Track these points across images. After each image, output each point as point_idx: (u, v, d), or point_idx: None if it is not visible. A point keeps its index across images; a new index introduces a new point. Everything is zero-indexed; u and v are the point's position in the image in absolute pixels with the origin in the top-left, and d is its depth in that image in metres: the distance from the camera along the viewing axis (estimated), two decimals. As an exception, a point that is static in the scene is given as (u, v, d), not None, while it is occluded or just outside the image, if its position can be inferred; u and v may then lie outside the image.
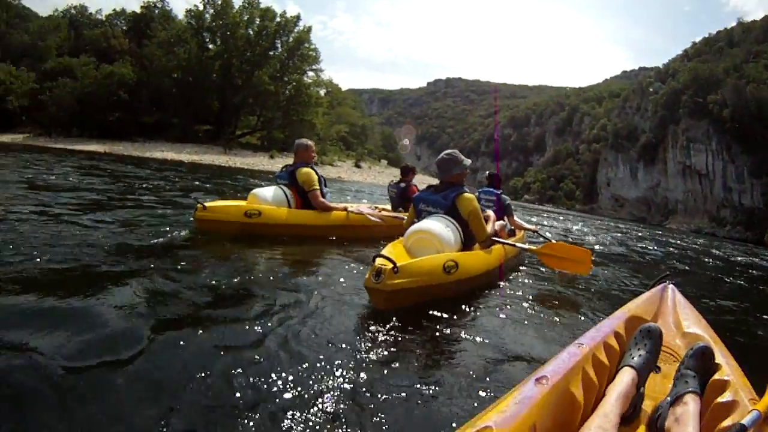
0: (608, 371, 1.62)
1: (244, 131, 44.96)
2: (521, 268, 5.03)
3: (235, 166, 28.18)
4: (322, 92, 48.92)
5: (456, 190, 3.61)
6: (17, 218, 4.03)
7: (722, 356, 1.71)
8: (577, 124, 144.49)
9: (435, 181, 3.90)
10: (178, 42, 40.04)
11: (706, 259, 13.18)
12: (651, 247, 13.79)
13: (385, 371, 1.97)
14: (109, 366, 1.72)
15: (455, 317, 2.83)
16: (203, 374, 1.72)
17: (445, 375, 2.05)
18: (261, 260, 3.77)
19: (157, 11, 47.13)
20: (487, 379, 2.06)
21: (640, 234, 22.50)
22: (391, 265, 2.66)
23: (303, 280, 3.19)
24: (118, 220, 4.54)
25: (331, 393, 1.71)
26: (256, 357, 1.91)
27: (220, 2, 41.76)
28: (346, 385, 1.78)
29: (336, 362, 1.95)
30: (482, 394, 1.89)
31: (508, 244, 4.28)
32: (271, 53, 43.36)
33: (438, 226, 3.36)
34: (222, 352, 1.93)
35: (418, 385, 1.90)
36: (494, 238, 4.06)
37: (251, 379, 1.74)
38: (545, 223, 16.52)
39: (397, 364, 2.05)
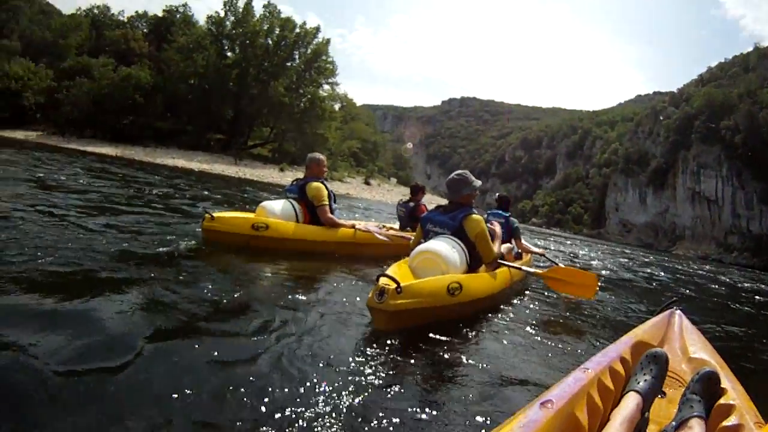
0: (613, 396, 1.62)
1: (256, 142, 44.94)
2: (527, 291, 4.98)
3: (245, 177, 28.27)
4: (337, 106, 48.91)
5: (464, 211, 3.59)
6: (24, 217, 4.06)
7: (728, 381, 1.71)
8: (589, 147, 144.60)
9: (445, 201, 3.89)
10: (198, 48, 40.17)
11: (714, 285, 13.08)
12: (657, 273, 13.70)
13: (383, 394, 1.93)
14: (102, 373, 1.71)
15: (458, 340, 2.79)
16: (195, 389, 1.70)
17: (446, 400, 2.01)
18: (264, 274, 3.76)
19: (178, 15, 47.60)
20: (488, 405, 2.02)
21: (646, 260, 22.36)
22: (394, 285, 2.64)
23: (304, 297, 3.16)
24: (125, 226, 4.55)
25: (325, 416, 1.68)
26: (250, 374, 1.89)
27: (241, 9, 42.03)
28: (340, 408, 1.74)
29: (331, 383, 1.91)
30: (482, 419, 1.86)
31: (514, 267, 4.24)
32: (289, 64, 43.39)
33: (444, 247, 3.34)
34: (216, 367, 1.91)
35: (417, 410, 1.86)
36: (500, 261, 4.04)
37: (243, 397, 1.71)
38: (552, 247, 16.42)
39: (396, 388, 2.01)
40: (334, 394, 1.83)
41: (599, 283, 4.35)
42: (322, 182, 5.03)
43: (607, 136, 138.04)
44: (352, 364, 2.17)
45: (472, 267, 3.57)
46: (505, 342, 3.00)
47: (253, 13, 42.44)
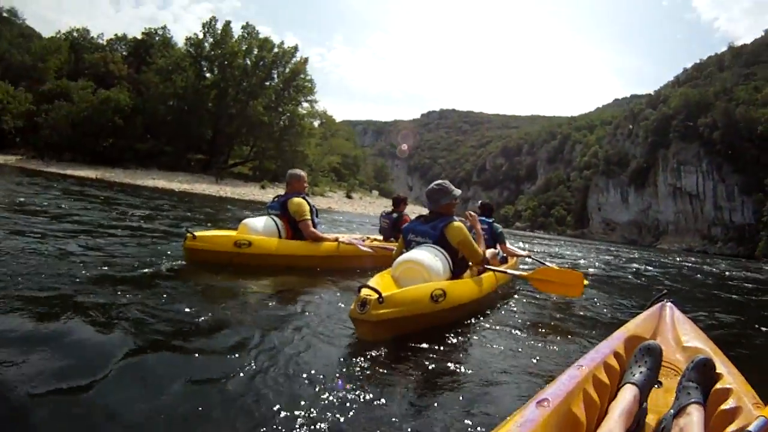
0: (609, 391, 1.62)
1: (237, 161, 45.02)
2: (515, 295, 4.98)
3: (226, 196, 28.15)
4: (316, 123, 49.39)
5: (445, 220, 3.59)
6: (2, 241, 4.00)
7: (724, 366, 1.72)
8: (569, 152, 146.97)
9: (426, 212, 3.89)
10: (176, 69, 40.39)
11: (701, 276, 13.28)
12: (644, 268, 13.86)
13: (370, 407, 1.88)
14: (75, 395, 1.69)
15: (445, 348, 2.76)
16: (170, 409, 1.66)
17: (436, 408, 1.97)
18: (246, 291, 3.70)
19: (157, 38, 47.70)
20: (480, 410, 1.98)
21: (632, 256, 22.63)
22: (376, 296, 2.62)
23: (287, 312, 3.12)
24: (105, 248, 4.49)
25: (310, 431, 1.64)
26: (229, 392, 1.84)
27: (220, 31, 42.35)
28: (326, 422, 1.69)
29: (315, 397, 1.87)
30: (475, 425, 1.82)
31: (499, 271, 4.24)
32: (267, 83, 43.72)
33: (426, 256, 3.33)
34: (193, 387, 1.86)
35: (407, 420, 1.82)
36: (486, 266, 4.05)
37: (221, 416, 1.67)
38: (536, 249, 16.54)
39: (383, 400, 1.96)
40: (318, 408, 1.78)
41: (586, 282, 4.35)
42: (304, 197, 5.00)
43: (586, 140, 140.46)
44: (337, 377, 2.12)
45: (455, 274, 3.56)
46: (493, 347, 2.98)
47: (232, 34, 42.92)
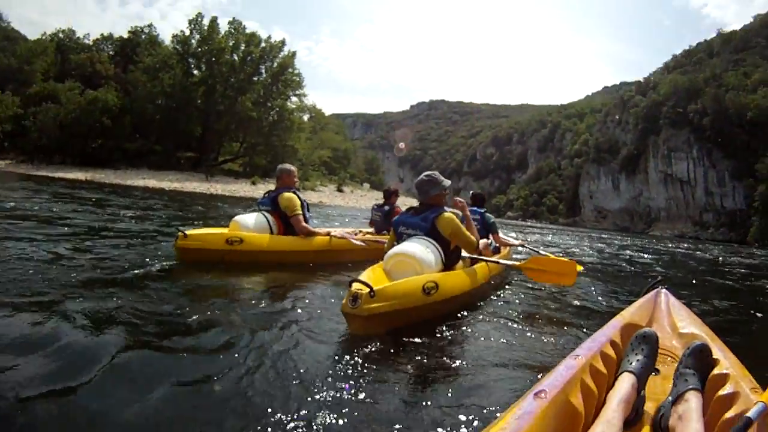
0: (607, 380, 1.62)
1: (227, 158, 44.85)
2: (508, 285, 4.98)
3: (217, 194, 28.03)
4: (305, 117, 49.18)
5: (435, 211, 3.56)
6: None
7: (720, 352, 1.73)
8: (559, 140, 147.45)
9: (417, 203, 3.87)
10: (164, 67, 40.14)
11: (694, 263, 13.37)
12: (637, 255, 13.95)
13: (364, 403, 1.86)
14: (64, 397, 1.67)
15: (439, 341, 2.74)
16: (158, 411, 1.64)
17: (430, 401, 1.94)
18: (238, 289, 3.67)
19: (144, 36, 47.33)
20: (476, 403, 1.95)
21: (624, 243, 22.77)
22: (367, 290, 2.60)
23: (278, 309, 3.09)
24: (96, 250, 4.44)
25: (303, 428, 1.61)
26: (219, 392, 1.81)
27: (206, 27, 42.05)
28: (317, 422, 1.66)
29: (307, 395, 1.84)
30: (471, 419, 1.80)
31: (491, 261, 4.22)
32: (255, 79, 43.52)
33: (417, 248, 3.30)
34: (182, 387, 1.84)
35: (402, 414, 1.80)
36: (478, 256, 4.03)
37: (211, 415, 1.65)
38: (529, 238, 16.59)
39: (377, 396, 1.94)
40: (310, 406, 1.76)
41: (580, 268, 4.35)
42: (295, 192, 4.98)
43: (576, 128, 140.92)
44: (329, 372, 2.09)
45: (447, 265, 3.54)
46: (488, 339, 2.95)
47: (218, 30, 42.65)
